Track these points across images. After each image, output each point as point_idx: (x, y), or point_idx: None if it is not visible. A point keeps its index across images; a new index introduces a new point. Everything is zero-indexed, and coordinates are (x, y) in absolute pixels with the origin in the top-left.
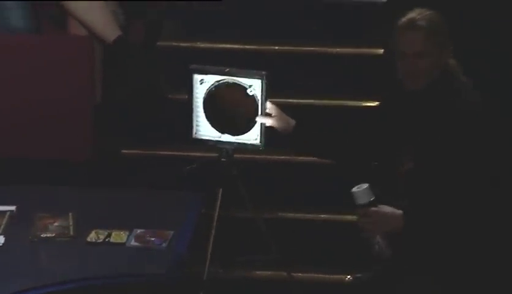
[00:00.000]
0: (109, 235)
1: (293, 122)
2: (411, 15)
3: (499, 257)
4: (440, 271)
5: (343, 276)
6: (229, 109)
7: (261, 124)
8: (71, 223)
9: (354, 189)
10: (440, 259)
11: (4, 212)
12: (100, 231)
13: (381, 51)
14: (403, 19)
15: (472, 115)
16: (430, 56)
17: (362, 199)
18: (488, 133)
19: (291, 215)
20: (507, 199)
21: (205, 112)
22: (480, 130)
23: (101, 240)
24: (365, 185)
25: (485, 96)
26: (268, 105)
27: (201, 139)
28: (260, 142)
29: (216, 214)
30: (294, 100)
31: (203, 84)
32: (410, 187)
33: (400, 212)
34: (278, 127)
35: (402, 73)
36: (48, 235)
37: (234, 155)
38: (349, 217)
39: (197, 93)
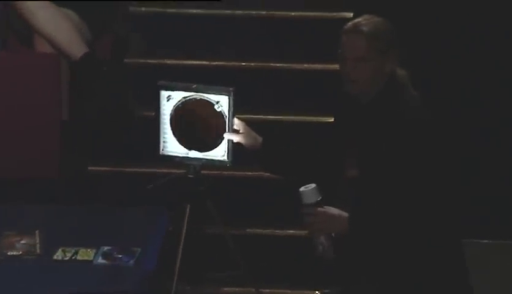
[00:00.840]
0: (76, 253)
1: (260, 138)
2: (357, 19)
3: (442, 260)
4: (382, 276)
5: (311, 292)
6: (197, 126)
7: (228, 140)
8: (37, 241)
9: (302, 188)
10: (383, 264)
11: None
12: (67, 249)
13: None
14: (348, 24)
15: (415, 123)
16: (371, 61)
17: (309, 199)
18: (431, 140)
19: (259, 231)
20: (450, 205)
21: (172, 128)
22: (422, 137)
23: (68, 258)
24: (313, 185)
25: (434, 108)
26: (235, 121)
27: (169, 156)
28: (228, 158)
29: (184, 230)
30: (262, 116)
31: (170, 100)
32: (354, 193)
33: (346, 215)
34: (246, 143)
35: (343, 77)
36: (15, 253)
37: (202, 171)
38: None
39: (164, 109)
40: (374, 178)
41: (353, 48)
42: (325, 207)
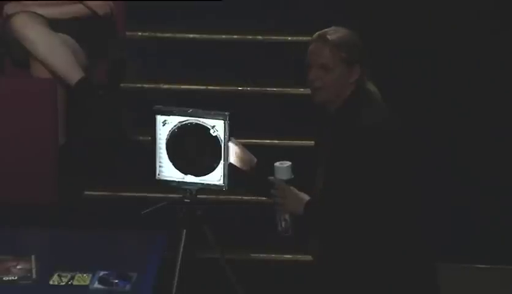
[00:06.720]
0: (72, 278)
1: (254, 161)
2: (325, 30)
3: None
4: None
5: None
6: (193, 150)
7: (224, 164)
8: (33, 266)
9: (277, 164)
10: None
11: None
12: (63, 274)
13: None
14: (316, 33)
15: (369, 132)
16: (334, 69)
17: (282, 175)
18: (385, 151)
19: (255, 255)
20: (407, 217)
21: (168, 153)
22: (375, 147)
23: (64, 283)
24: (288, 163)
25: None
26: (232, 146)
27: (165, 180)
28: (224, 182)
29: (180, 255)
30: (258, 141)
31: (166, 125)
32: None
33: (306, 198)
34: (237, 164)
35: (308, 85)
36: (11, 278)
37: (198, 196)
38: None
39: (160, 134)
40: (334, 183)
41: (317, 55)
42: (291, 187)
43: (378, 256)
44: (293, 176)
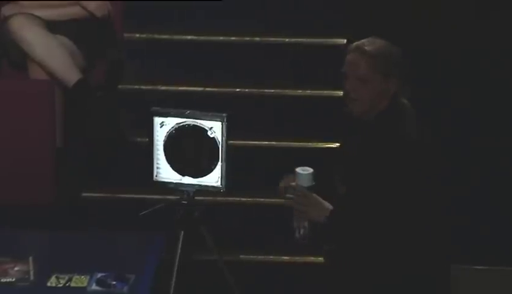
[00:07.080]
0: (70, 279)
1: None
2: (363, 40)
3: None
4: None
5: None
6: (190, 152)
7: (222, 165)
8: (31, 268)
9: (299, 170)
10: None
11: None
12: (61, 276)
13: (342, 93)
14: (353, 43)
15: (405, 147)
16: (371, 81)
17: (304, 182)
18: (419, 167)
19: (253, 257)
20: (431, 228)
21: (166, 154)
22: (411, 162)
23: (62, 284)
24: (310, 170)
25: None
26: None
27: (162, 182)
28: (221, 184)
29: (177, 256)
30: (255, 142)
31: (163, 126)
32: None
33: (330, 207)
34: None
35: (345, 96)
36: (8, 280)
37: (196, 197)
38: (311, 259)
39: (158, 136)
40: (359, 193)
41: (354, 66)
42: (314, 195)
43: (397, 261)
44: (314, 183)
